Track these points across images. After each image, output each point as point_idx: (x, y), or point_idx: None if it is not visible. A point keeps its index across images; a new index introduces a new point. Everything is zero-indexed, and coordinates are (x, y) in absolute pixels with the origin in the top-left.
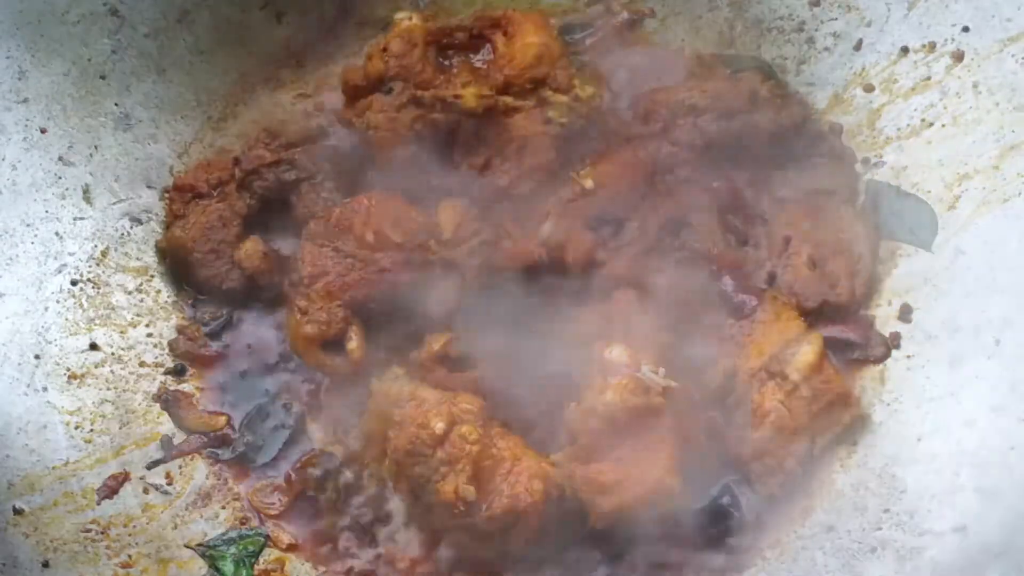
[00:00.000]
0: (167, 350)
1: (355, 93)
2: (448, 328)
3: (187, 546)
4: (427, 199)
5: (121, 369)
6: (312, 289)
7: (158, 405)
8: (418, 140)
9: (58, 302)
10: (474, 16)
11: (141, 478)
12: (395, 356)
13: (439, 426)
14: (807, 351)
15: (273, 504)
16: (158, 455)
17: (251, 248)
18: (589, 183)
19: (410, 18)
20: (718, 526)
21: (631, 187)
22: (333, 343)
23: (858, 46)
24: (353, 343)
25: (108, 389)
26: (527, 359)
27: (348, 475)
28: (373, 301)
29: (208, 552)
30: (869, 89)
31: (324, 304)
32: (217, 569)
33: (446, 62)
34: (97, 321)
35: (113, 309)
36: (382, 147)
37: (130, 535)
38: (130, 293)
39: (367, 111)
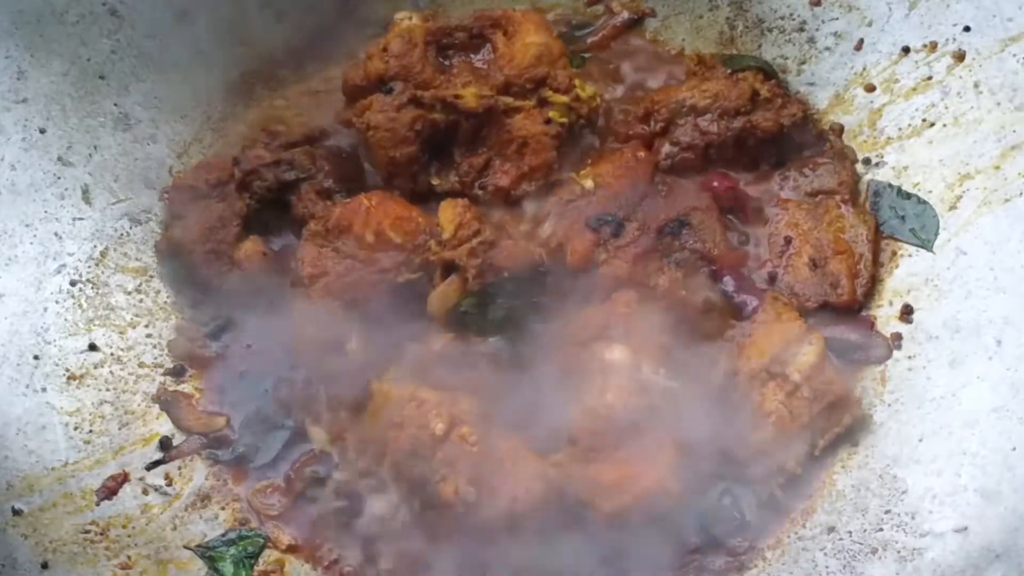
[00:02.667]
0: (166, 351)
1: (355, 93)
2: (448, 328)
3: (186, 547)
4: (427, 199)
5: (120, 370)
6: (312, 289)
7: (157, 406)
8: (418, 140)
9: (57, 303)
10: (474, 16)
11: (140, 479)
12: (395, 356)
13: (439, 427)
14: (808, 352)
15: (273, 505)
16: (157, 456)
17: (251, 248)
18: (589, 183)
19: (410, 18)
20: (718, 527)
21: (631, 187)
22: (333, 344)
23: (859, 46)
24: (353, 344)
25: (107, 390)
26: (527, 360)
27: (347, 476)
28: (373, 301)
29: (207, 553)
30: (870, 89)
31: (324, 304)
32: (216, 570)
33: (446, 62)
34: (96, 322)
35: (112, 310)
36: (382, 147)
37: (129, 536)
38: (129, 294)
39: (367, 111)
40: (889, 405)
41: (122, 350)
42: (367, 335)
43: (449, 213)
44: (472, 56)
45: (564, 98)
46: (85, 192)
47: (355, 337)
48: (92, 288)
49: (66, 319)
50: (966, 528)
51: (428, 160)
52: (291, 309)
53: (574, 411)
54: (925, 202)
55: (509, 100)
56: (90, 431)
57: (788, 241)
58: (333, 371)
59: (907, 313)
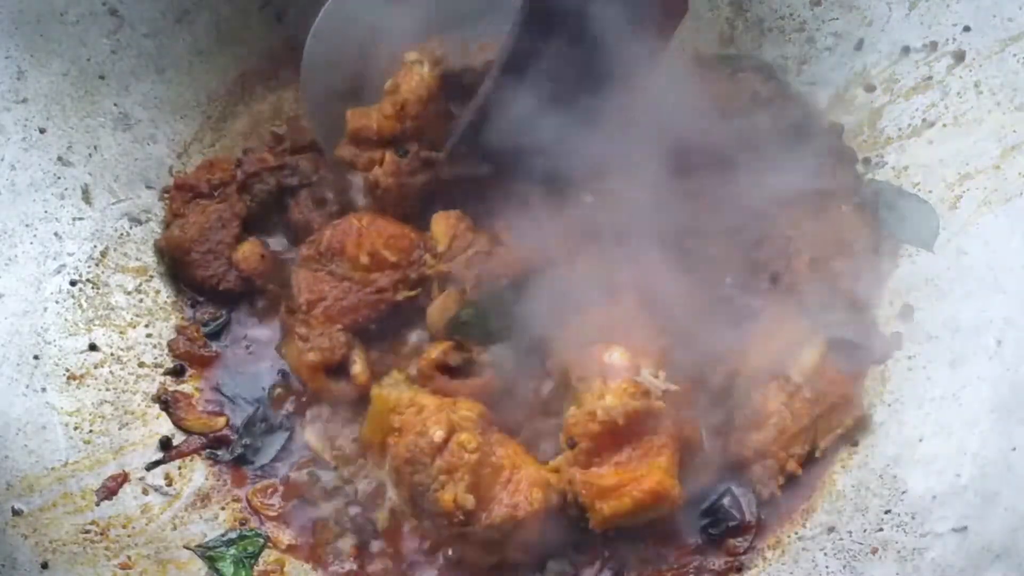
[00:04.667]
0: (166, 350)
1: (361, 140)
2: (448, 339)
3: (186, 547)
4: (419, 215)
5: (120, 370)
6: (311, 315)
7: (157, 406)
8: (424, 196)
9: (57, 303)
10: (482, 57)
11: (140, 479)
12: (395, 364)
13: (438, 434)
14: (809, 353)
15: (273, 505)
16: (157, 456)
17: (249, 250)
18: (588, 197)
19: (421, 63)
20: (719, 528)
21: (632, 192)
22: (337, 368)
23: (859, 46)
24: (358, 367)
25: (107, 390)
26: (527, 365)
27: (347, 477)
28: (373, 322)
29: (207, 553)
30: (870, 89)
31: (325, 329)
32: (216, 570)
33: (455, 109)
34: (96, 321)
35: (112, 309)
36: (388, 203)
37: (129, 536)
38: (129, 293)
39: (375, 166)
40: (889, 405)
41: (122, 350)
42: (370, 356)
43: (442, 226)
44: None
45: None
46: (85, 192)
47: (359, 360)
48: (92, 288)
49: (66, 319)
50: (966, 528)
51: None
52: (292, 336)
53: (574, 415)
54: (925, 202)
55: None
56: (90, 431)
57: (788, 241)
58: (340, 396)
59: (907, 313)
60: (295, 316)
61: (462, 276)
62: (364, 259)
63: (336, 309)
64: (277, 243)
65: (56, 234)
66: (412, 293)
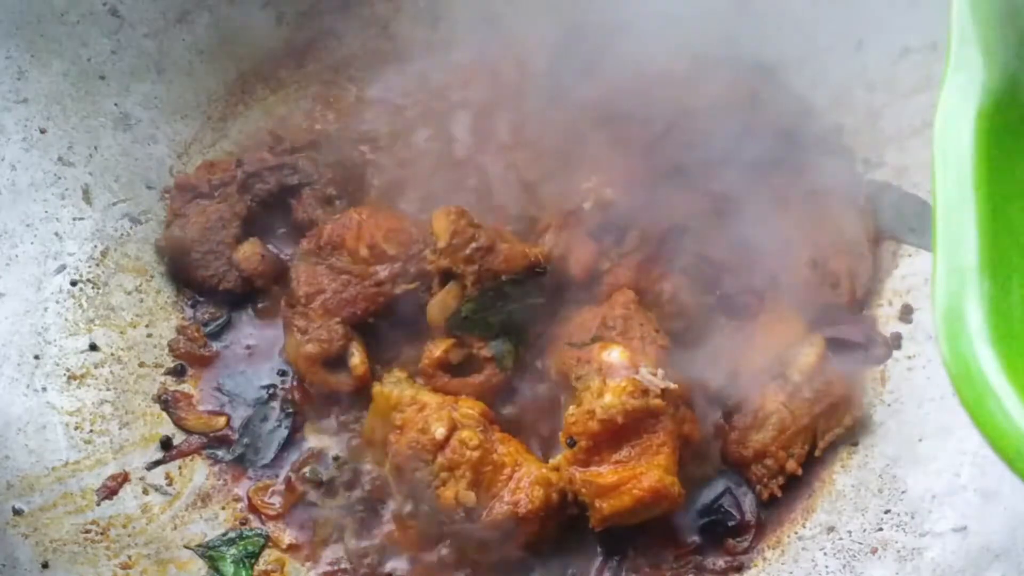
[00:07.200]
0: (167, 350)
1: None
2: (449, 334)
3: (187, 547)
4: (419, 208)
5: (121, 369)
6: (310, 308)
7: (158, 406)
8: None
9: (58, 302)
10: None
11: (141, 479)
12: (397, 363)
13: (439, 431)
14: (808, 352)
15: (273, 505)
16: (158, 456)
17: (249, 250)
18: (588, 205)
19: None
20: (718, 527)
21: (631, 194)
22: (335, 361)
23: (859, 46)
24: (356, 358)
25: (108, 390)
26: (527, 363)
27: (348, 477)
28: (372, 315)
29: (208, 553)
30: (870, 89)
31: (323, 322)
32: (217, 570)
33: None
34: (97, 321)
35: (113, 309)
36: None
37: (129, 536)
38: (130, 293)
39: None
40: (889, 405)
41: (122, 350)
42: (369, 349)
43: (443, 222)
44: None
45: None
46: (85, 192)
47: (357, 352)
48: (92, 288)
49: (66, 319)
50: (966, 528)
51: None
52: (291, 328)
53: (573, 413)
54: (925, 202)
55: None
56: (90, 431)
57: (788, 241)
58: (338, 388)
59: (907, 313)
60: (294, 309)
61: (463, 272)
62: (363, 252)
63: (335, 302)
64: (278, 243)
65: (56, 234)
66: (411, 286)
